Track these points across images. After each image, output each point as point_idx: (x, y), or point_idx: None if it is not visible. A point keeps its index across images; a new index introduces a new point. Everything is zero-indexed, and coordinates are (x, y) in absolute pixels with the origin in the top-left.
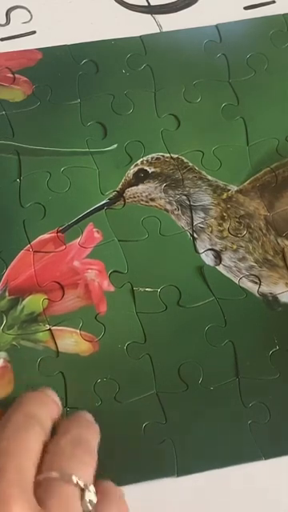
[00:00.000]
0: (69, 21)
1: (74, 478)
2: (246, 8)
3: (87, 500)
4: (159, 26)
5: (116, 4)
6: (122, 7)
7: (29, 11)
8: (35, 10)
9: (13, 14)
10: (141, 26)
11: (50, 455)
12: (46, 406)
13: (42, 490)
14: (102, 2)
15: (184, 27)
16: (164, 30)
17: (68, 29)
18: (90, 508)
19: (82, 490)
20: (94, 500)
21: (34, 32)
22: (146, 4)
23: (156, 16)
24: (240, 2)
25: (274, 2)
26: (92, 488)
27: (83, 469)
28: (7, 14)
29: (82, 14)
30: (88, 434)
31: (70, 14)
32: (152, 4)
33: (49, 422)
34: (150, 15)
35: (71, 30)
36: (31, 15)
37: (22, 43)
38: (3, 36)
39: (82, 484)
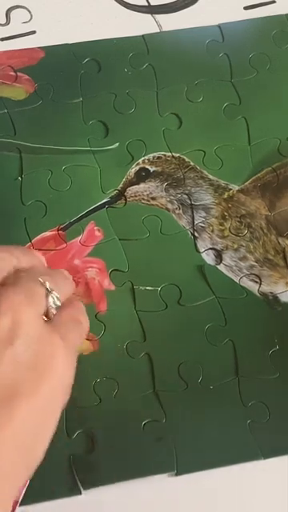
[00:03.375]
0: (69, 21)
1: (42, 279)
2: (246, 8)
3: (51, 300)
4: (159, 25)
5: (116, 4)
6: (122, 7)
7: (29, 11)
8: (35, 10)
9: (13, 14)
10: (141, 25)
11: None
12: None
13: (12, 277)
14: (102, 1)
15: (184, 27)
16: (164, 29)
17: (68, 29)
18: (54, 307)
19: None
20: (58, 303)
21: (34, 32)
22: (146, 4)
23: (156, 16)
24: (240, 1)
25: (274, 1)
26: (57, 294)
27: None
28: (7, 13)
29: (81, 13)
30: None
31: (70, 13)
32: (152, 4)
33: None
34: (149, 15)
35: (71, 30)
36: (31, 15)
37: (22, 43)
38: (3, 36)
39: (48, 286)
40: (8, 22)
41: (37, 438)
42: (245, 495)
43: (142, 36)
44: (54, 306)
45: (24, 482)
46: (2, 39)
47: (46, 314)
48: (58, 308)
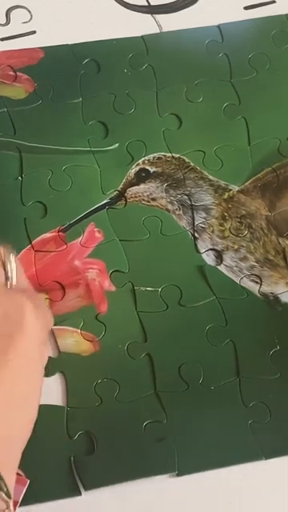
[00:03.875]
0: (69, 21)
1: None
2: (246, 8)
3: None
4: (159, 25)
5: (116, 4)
6: (122, 7)
7: (29, 11)
8: (35, 10)
9: (13, 14)
10: (141, 25)
11: None
12: None
13: None
14: (102, 2)
15: (184, 27)
16: (164, 29)
17: (68, 29)
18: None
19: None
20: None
21: (34, 32)
22: (146, 4)
23: (156, 16)
24: (240, 1)
25: (274, 1)
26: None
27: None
28: (7, 13)
29: (81, 13)
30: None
31: (70, 13)
32: (152, 4)
33: None
34: (149, 15)
35: (71, 30)
36: (31, 15)
37: (22, 43)
38: (3, 36)
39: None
40: (8, 22)
41: (22, 400)
42: (246, 496)
43: (142, 37)
44: (10, 275)
45: (22, 448)
46: (2, 39)
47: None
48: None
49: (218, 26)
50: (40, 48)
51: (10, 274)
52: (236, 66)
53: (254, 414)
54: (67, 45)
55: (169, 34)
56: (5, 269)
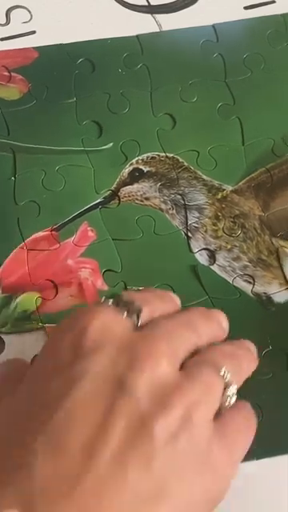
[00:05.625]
0: (69, 21)
1: (224, 370)
2: (246, 8)
3: (228, 394)
4: (159, 25)
5: (116, 4)
6: (122, 7)
7: (29, 11)
8: (35, 10)
9: (13, 14)
10: (141, 25)
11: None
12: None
13: (191, 364)
14: (102, 1)
15: (184, 27)
16: (164, 29)
17: (68, 29)
18: (230, 403)
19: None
20: (234, 399)
21: (33, 32)
22: (146, 4)
23: (156, 16)
24: (240, 1)
25: (274, 1)
26: (235, 388)
27: (236, 369)
28: (7, 13)
29: (81, 13)
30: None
31: (70, 13)
32: (152, 4)
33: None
34: (149, 15)
35: (71, 30)
36: (31, 15)
37: (21, 43)
38: (3, 36)
39: (228, 378)
40: (8, 21)
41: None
42: (236, 496)
43: (137, 36)
44: (228, 402)
45: None
46: (2, 39)
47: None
48: (231, 405)
49: (213, 26)
50: (34, 48)
51: (227, 402)
52: (231, 66)
53: None
54: (61, 44)
55: (164, 34)
56: None
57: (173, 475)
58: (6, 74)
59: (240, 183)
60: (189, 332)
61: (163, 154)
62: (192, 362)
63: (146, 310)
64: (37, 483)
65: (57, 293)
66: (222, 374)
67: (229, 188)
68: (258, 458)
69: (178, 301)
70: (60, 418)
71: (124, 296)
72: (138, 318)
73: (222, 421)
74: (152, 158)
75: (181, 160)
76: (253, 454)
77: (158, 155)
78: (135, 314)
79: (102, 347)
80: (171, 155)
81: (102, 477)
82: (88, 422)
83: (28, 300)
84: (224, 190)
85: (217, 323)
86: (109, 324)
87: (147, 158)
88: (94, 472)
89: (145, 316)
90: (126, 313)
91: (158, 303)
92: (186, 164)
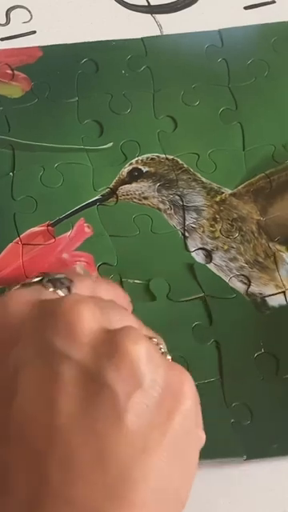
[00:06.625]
0: (69, 21)
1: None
2: (246, 8)
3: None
4: (159, 25)
5: (116, 4)
6: (122, 7)
7: (29, 11)
8: (35, 10)
9: (13, 14)
10: (141, 25)
11: None
12: None
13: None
14: (102, 1)
15: (184, 27)
16: (164, 29)
17: (68, 29)
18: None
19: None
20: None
21: (34, 32)
22: (146, 4)
23: (156, 16)
24: (240, 1)
25: (274, 1)
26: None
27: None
28: (7, 13)
29: (81, 13)
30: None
31: (70, 13)
32: (152, 4)
33: None
34: (149, 15)
35: (71, 30)
36: (31, 15)
37: (21, 43)
38: (3, 36)
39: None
40: (8, 21)
41: (177, 486)
42: (227, 497)
43: (141, 39)
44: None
45: None
46: (2, 39)
47: None
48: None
49: (219, 31)
50: (39, 47)
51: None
52: (234, 72)
53: (236, 414)
54: (66, 44)
55: (168, 38)
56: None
57: (150, 425)
58: (9, 72)
59: (239, 187)
60: (127, 314)
61: (163, 156)
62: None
63: (80, 288)
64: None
65: None
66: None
67: (228, 191)
68: (247, 459)
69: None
70: (14, 416)
71: (51, 274)
72: (68, 291)
73: None
74: (152, 158)
75: (180, 162)
76: (241, 454)
77: (158, 156)
78: (64, 287)
79: (25, 327)
80: (171, 157)
81: (72, 447)
82: (39, 405)
83: None
84: (223, 193)
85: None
86: (26, 301)
87: (147, 158)
88: (60, 446)
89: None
90: (51, 288)
91: (104, 287)
92: (185, 166)
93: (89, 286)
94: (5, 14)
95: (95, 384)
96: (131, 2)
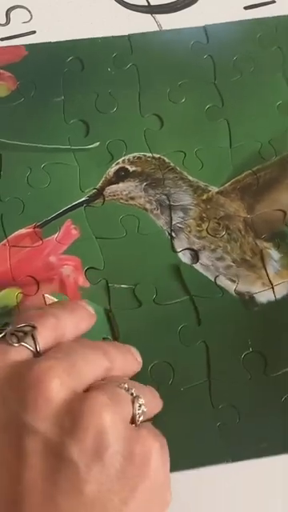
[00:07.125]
0: (69, 21)
1: (126, 385)
2: (246, 8)
3: (137, 406)
4: (159, 25)
5: (116, 4)
6: (122, 7)
7: (29, 11)
8: (35, 10)
9: (13, 14)
10: (141, 25)
11: None
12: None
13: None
14: (102, 1)
15: (184, 27)
16: (164, 29)
17: (68, 29)
18: (140, 412)
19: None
20: (145, 409)
21: (33, 32)
22: (146, 4)
23: (156, 16)
24: (240, 1)
25: (274, 1)
26: (142, 400)
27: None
28: (7, 13)
29: (81, 13)
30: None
31: (70, 13)
32: (152, 4)
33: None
34: (149, 15)
35: (71, 30)
36: (31, 15)
37: (21, 43)
38: (3, 36)
39: (133, 392)
40: (8, 21)
41: None
42: (212, 499)
43: (127, 36)
44: (139, 411)
45: None
46: (2, 39)
47: (132, 421)
48: (145, 414)
49: (204, 27)
50: (24, 45)
51: (138, 411)
52: (220, 68)
53: (222, 416)
54: (51, 42)
55: (154, 34)
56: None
57: (110, 493)
58: None
59: (226, 185)
60: (97, 355)
61: (149, 155)
62: (96, 383)
63: (44, 332)
64: None
65: (38, 289)
66: (125, 387)
67: (214, 189)
68: (233, 460)
69: (92, 312)
70: None
71: (15, 320)
72: (34, 342)
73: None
74: (138, 157)
75: (167, 160)
76: (229, 456)
77: (145, 155)
78: (28, 337)
79: None
80: (158, 156)
81: None
82: (3, 477)
83: (9, 296)
84: (210, 191)
85: (131, 354)
86: None
87: (133, 157)
88: None
89: (45, 338)
90: (16, 343)
91: (66, 317)
92: (172, 165)
93: (52, 327)
94: (5, 14)
95: (58, 457)
96: (131, 2)
